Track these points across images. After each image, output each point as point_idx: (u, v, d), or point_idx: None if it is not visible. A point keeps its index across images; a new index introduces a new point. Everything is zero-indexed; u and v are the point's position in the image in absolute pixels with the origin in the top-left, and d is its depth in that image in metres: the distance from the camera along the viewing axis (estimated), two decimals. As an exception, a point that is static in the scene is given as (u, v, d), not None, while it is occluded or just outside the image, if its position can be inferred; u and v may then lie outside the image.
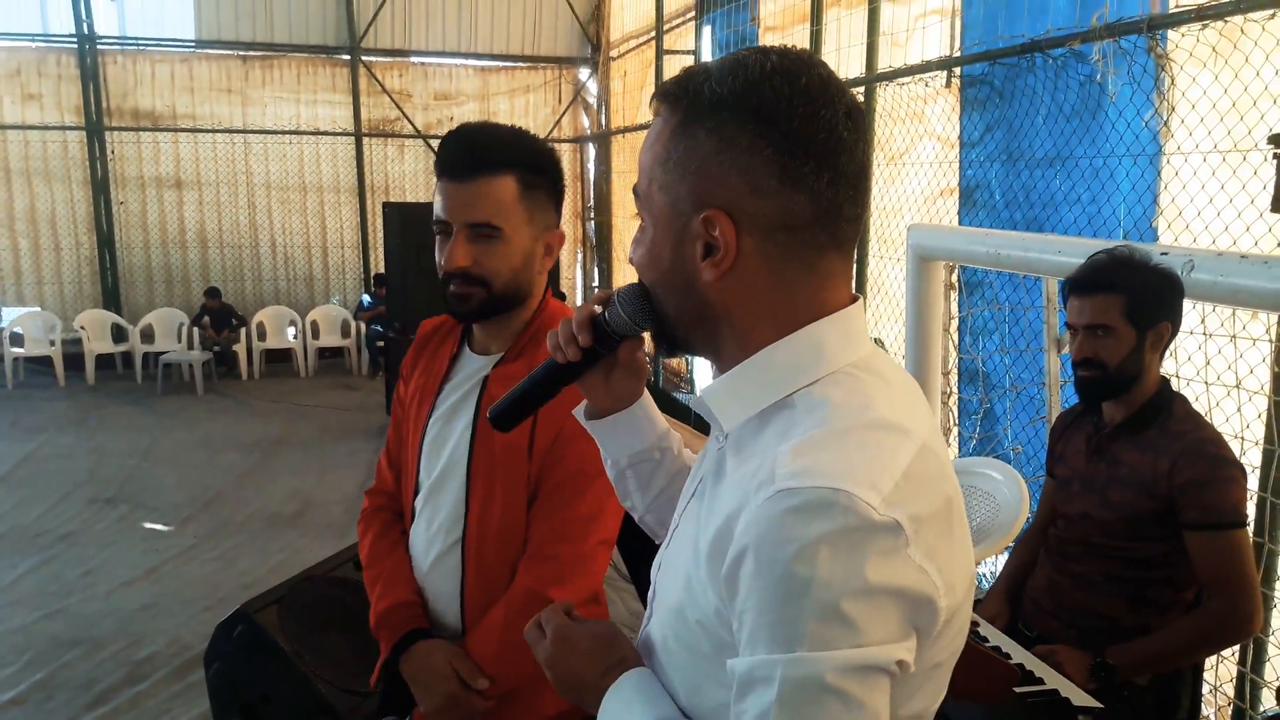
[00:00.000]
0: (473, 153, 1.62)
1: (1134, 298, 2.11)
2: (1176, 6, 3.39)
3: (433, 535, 1.77)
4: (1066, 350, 3.38)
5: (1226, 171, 3.27)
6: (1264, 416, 2.78)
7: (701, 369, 9.44)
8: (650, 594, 1.05)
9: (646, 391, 1.20)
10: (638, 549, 2.04)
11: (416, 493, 1.80)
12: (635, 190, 0.96)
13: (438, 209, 1.65)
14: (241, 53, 11.43)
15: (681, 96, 0.91)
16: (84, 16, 10.82)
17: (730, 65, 0.88)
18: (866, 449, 0.81)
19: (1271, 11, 3.06)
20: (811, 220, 0.88)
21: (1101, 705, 1.77)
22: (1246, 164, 3.20)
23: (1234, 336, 2.86)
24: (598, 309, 1.06)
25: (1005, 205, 4.72)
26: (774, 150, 0.86)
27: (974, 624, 2.16)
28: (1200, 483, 2.05)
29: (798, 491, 0.77)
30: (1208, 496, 2.05)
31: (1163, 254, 2.23)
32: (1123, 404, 2.20)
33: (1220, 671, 3.03)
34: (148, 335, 10.95)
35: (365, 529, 1.91)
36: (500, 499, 1.70)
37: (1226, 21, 3.21)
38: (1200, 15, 3.26)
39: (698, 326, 0.95)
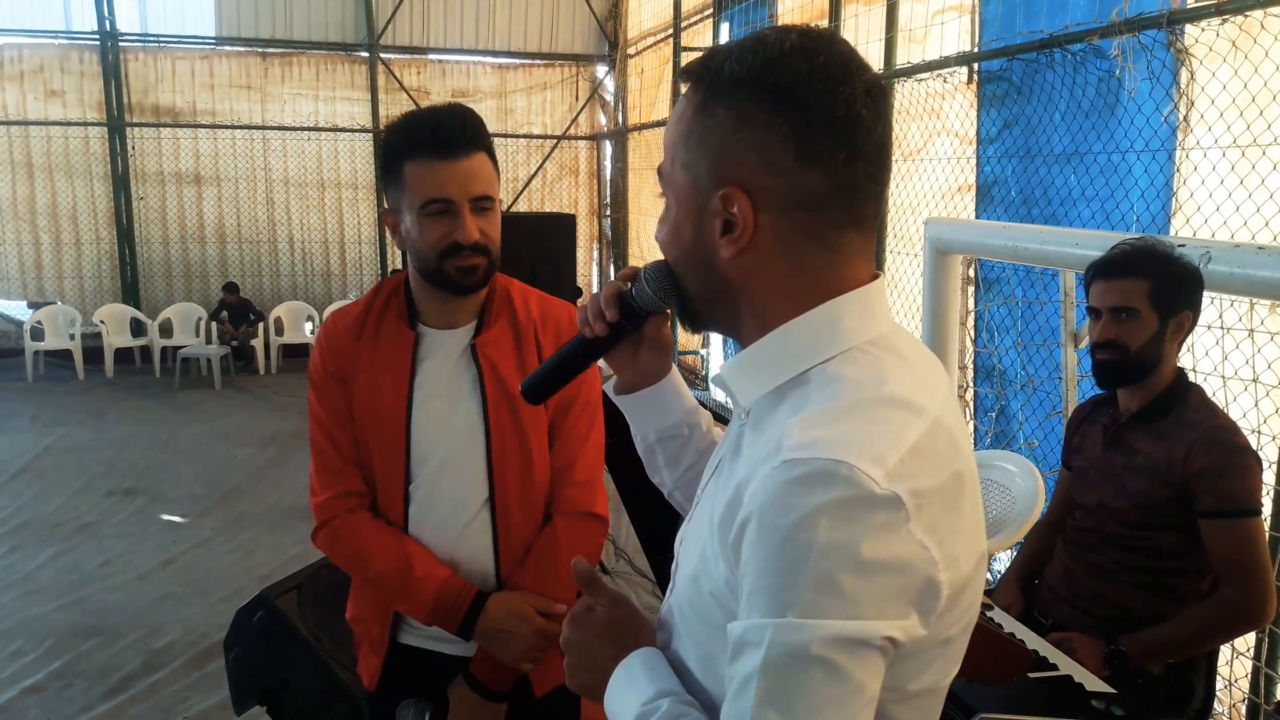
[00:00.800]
0: (465, 130, 1.70)
1: (1159, 283, 2.12)
2: (1196, 1, 3.37)
3: (456, 505, 1.81)
4: (1084, 345, 3.40)
5: (1246, 166, 3.26)
6: (1282, 410, 2.78)
7: (716, 364, 9.43)
8: (673, 567, 1.06)
9: (675, 368, 1.21)
10: (658, 531, 2.05)
11: (409, 480, 1.81)
12: (659, 169, 0.97)
13: (432, 189, 1.70)
14: (261, 49, 11.49)
15: (704, 75, 0.92)
16: (106, 14, 10.91)
17: (751, 44, 0.89)
18: (875, 423, 0.81)
19: (1292, 5, 3.05)
20: (827, 197, 0.88)
21: (1114, 691, 1.77)
22: (1266, 158, 3.19)
23: (1251, 331, 2.84)
24: (625, 285, 1.07)
25: (1022, 202, 4.71)
26: (790, 128, 0.86)
27: (988, 608, 2.16)
28: (1215, 470, 2.05)
29: (801, 462, 0.78)
30: (1223, 484, 2.04)
31: (1180, 245, 2.23)
32: (1139, 393, 2.20)
33: (1235, 668, 3.02)
34: (166, 330, 11.02)
35: (354, 530, 1.82)
36: (522, 452, 1.81)
37: (1247, 16, 3.19)
38: (1220, 10, 3.25)
39: (718, 303, 0.96)
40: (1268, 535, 2.18)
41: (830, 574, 0.76)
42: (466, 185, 1.70)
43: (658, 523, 1.99)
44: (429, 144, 1.69)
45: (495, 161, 1.78)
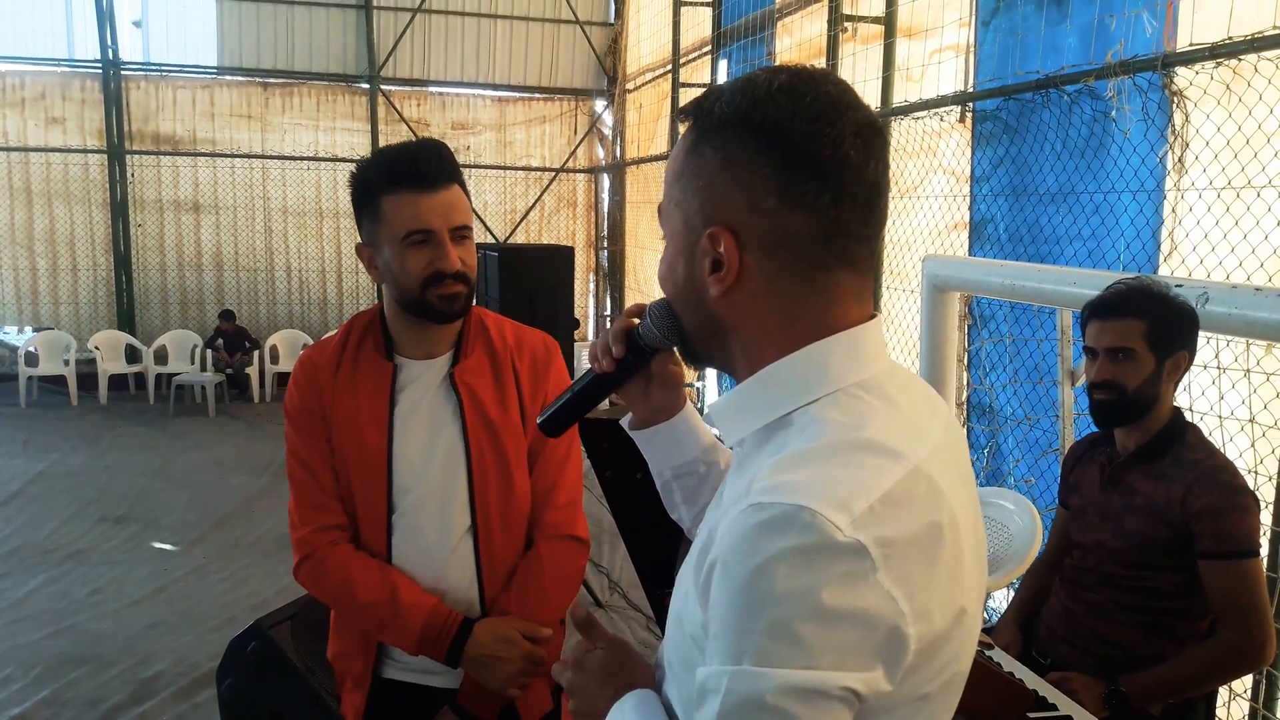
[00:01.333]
0: (442, 164, 1.75)
1: (1156, 324, 2.12)
2: (1190, 45, 3.42)
3: (440, 534, 1.83)
4: (1081, 383, 3.41)
5: (1240, 208, 3.29)
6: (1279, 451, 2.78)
7: (711, 397, 9.42)
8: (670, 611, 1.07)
9: (690, 405, 1.21)
10: (655, 564, 2.05)
11: (391, 510, 1.82)
12: (659, 207, 0.98)
13: (412, 221, 1.73)
14: (262, 80, 11.57)
15: (697, 115, 0.93)
16: (109, 43, 10.98)
17: (741, 84, 0.89)
18: (847, 468, 0.80)
19: (1286, 50, 3.08)
20: (812, 239, 0.87)
21: (1114, 731, 1.77)
22: (1261, 200, 3.21)
23: (1248, 371, 2.86)
24: (634, 321, 1.08)
25: (1010, 239, 4.75)
26: (773, 168, 0.86)
27: (987, 647, 2.16)
28: (1214, 511, 2.05)
29: (765, 506, 0.77)
30: (1222, 525, 2.04)
31: (1177, 285, 2.24)
32: (1136, 432, 2.21)
33: (1233, 709, 3.01)
34: (161, 356, 10.98)
35: (337, 564, 1.81)
36: (503, 478, 1.84)
37: (1240, 60, 3.23)
38: (1214, 53, 3.29)
39: (712, 341, 0.96)
40: (1265, 576, 2.18)
41: (787, 622, 0.74)
42: (447, 215, 1.75)
43: (655, 556, 1.98)
44: (409, 177, 1.73)
45: (467, 193, 1.84)
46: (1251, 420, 2.88)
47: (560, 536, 1.89)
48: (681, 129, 0.96)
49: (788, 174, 0.86)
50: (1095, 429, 2.37)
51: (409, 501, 1.82)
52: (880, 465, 0.81)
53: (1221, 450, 2.27)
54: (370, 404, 1.82)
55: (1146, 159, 3.82)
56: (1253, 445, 2.86)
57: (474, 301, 1.87)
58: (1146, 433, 2.19)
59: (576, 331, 5.50)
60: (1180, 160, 3.61)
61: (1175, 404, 2.23)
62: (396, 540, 1.83)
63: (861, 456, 0.81)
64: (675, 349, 1.07)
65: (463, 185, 1.81)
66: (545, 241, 12.47)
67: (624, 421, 1.23)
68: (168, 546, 6.10)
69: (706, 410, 0.99)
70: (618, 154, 12.38)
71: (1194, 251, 3.49)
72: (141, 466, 8.07)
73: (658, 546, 1.94)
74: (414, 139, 1.87)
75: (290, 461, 1.88)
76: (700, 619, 0.85)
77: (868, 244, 0.90)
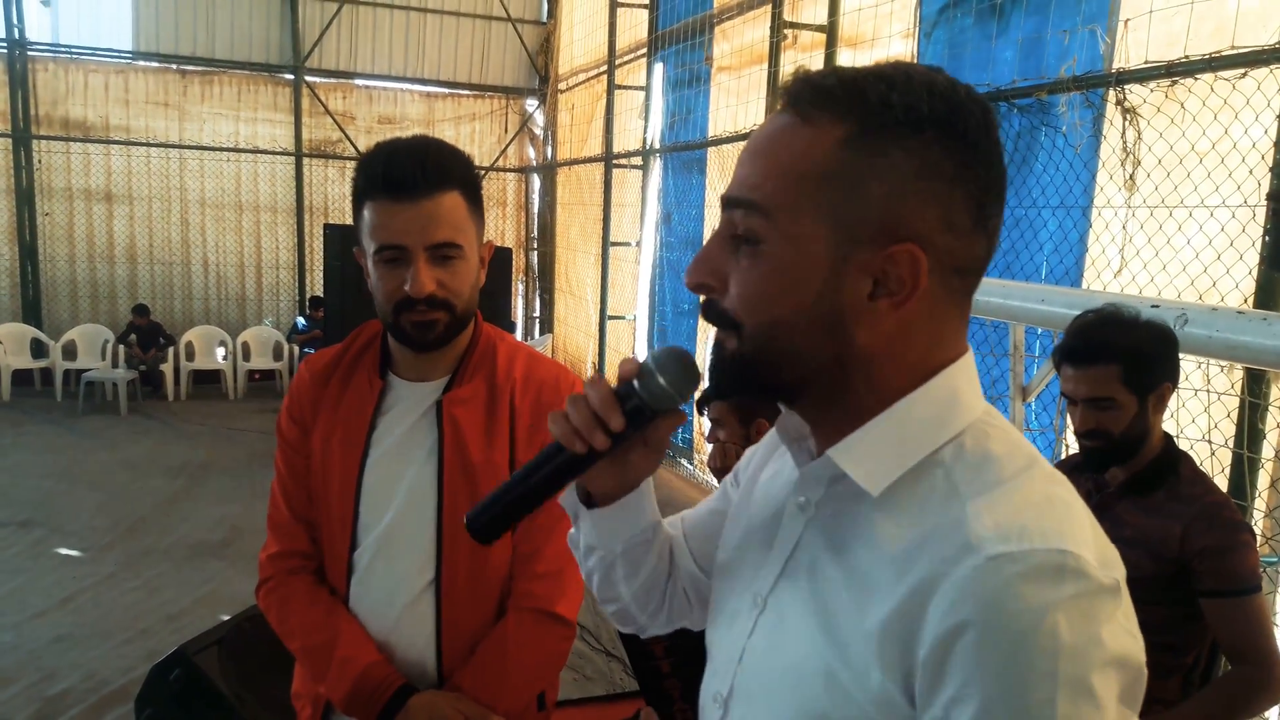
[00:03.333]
0: (425, 168, 1.50)
1: (1131, 365, 2.06)
2: (1145, 62, 3.43)
3: (396, 583, 1.63)
4: (1032, 399, 3.39)
5: (1194, 226, 3.31)
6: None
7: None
8: (721, 690, 0.91)
9: None
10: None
11: (354, 546, 1.64)
12: (740, 200, 0.81)
13: (383, 234, 1.51)
14: (180, 66, 11.18)
15: (853, 105, 0.77)
16: (15, 21, 10.49)
17: (919, 78, 0.78)
18: (1056, 505, 0.75)
19: (1242, 71, 3.11)
20: (983, 263, 0.82)
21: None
22: (1214, 220, 3.24)
23: (1244, 399, 2.85)
24: (633, 383, 0.90)
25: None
26: (976, 186, 0.78)
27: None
28: (1217, 550, 2.01)
29: (1017, 556, 0.69)
30: (1227, 564, 2.01)
31: (1154, 306, 2.20)
32: (1127, 464, 2.17)
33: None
34: (70, 352, 10.55)
35: (286, 596, 1.67)
36: None
37: (1197, 79, 3.25)
38: (1170, 71, 3.30)
39: (827, 372, 0.81)
40: (1269, 608, 2.16)
41: (1081, 678, 0.68)
42: (424, 231, 1.50)
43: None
44: (382, 183, 1.50)
45: (476, 200, 1.59)
46: (1245, 452, 2.87)
47: (533, 610, 1.65)
48: (785, 110, 0.81)
49: (984, 194, 0.79)
50: (1046, 446, 2.33)
51: (370, 539, 1.64)
52: (1071, 499, 0.77)
53: (1213, 480, 2.24)
54: (349, 424, 1.64)
55: (1081, 175, 3.84)
56: (1245, 464, 2.87)
57: (470, 323, 1.64)
58: (1138, 464, 2.15)
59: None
60: (1131, 177, 3.62)
61: (1165, 431, 2.19)
62: (355, 580, 1.65)
63: (1058, 490, 0.77)
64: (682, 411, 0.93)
65: (467, 191, 1.55)
66: (474, 241, 12.27)
67: (567, 502, 1.05)
68: (75, 553, 5.83)
69: (826, 455, 0.83)
70: (549, 154, 12.25)
71: (1144, 269, 3.50)
72: (47, 467, 7.72)
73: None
74: (402, 137, 1.62)
75: (275, 476, 1.73)
76: (873, 689, 0.75)
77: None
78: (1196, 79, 3.24)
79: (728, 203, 0.82)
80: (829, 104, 0.78)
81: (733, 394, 0.87)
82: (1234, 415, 2.98)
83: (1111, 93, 3.62)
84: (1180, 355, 2.10)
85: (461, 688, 1.61)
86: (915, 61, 3.89)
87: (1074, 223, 3.95)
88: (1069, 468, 2.37)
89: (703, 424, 2.72)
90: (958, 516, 0.74)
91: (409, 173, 1.49)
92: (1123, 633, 0.71)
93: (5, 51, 10.52)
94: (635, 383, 0.88)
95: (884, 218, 0.77)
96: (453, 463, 1.60)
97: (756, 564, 0.91)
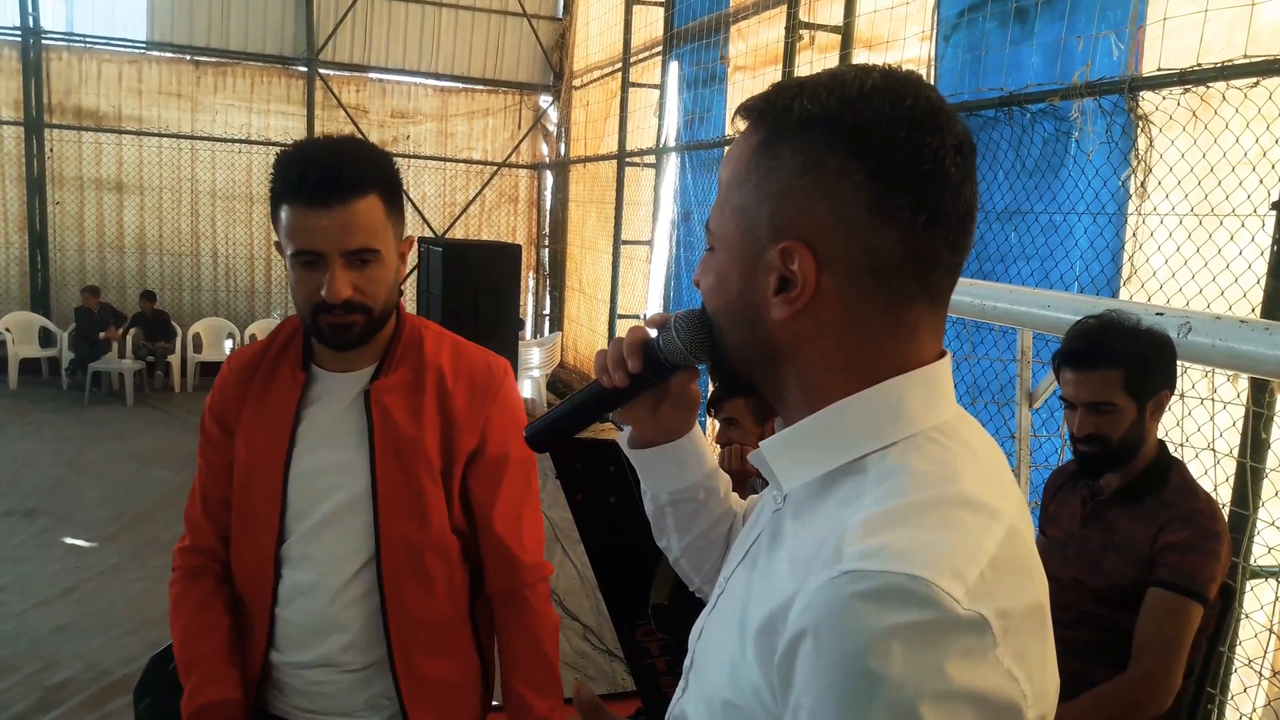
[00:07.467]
0: (341, 176, 1.49)
1: (1132, 371, 2.07)
2: (1159, 69, 3.41)
3: (333, 564, 1.64)
4: (1039, 404, 3.37)
5: (1202, 235, 3.28)
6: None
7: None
8: (687, 663, 0.95)
9: (698, 426, 1.11)
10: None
11: (283, 538, 1.64)
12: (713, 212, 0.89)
13: (300, 239, 1.51)
14: (194, 57, 11.19)
15: (767, 112, 0.82)
16: (30, 10, 10.51)
17: (826, 81, 0.79)
18: (949, 529, 0.71)
19: (1254, 80, 3.08)
20: (901, 264, 0.78)
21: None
22: (1224, 229, 3.21)
23: (1249, 409, 2.82)
24: (652, 333, 0.97)
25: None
26: (866, 176, 0.76)
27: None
28: (1181, 547, 2.02)
29: (869, 575, 0.68)
30: (1185, 560, 2.01)
31: (1158, 314, 2.19)
32: (1120, 470, 2.17)
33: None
34: (77, 341, 10.56)
35: (180, 596, 1.70)
36: (417, 514, 1.64)
37: (1209, 87, 3.23)
38: (1183, 79, 3.28)
39: (760, 366, 0.86)
40: (1196, 628, 2.11)
41: (909, 708, 0.65)
42: (339, 238, 1.50)
43: (626, 587, 1.87)
44: (296, 188, 1.50)
45: (395, 200, 1.59)
46: (1248, 459, 2.85)
47: (544, 580, 1.73)
48: (739, 126, 0.85)
49: (881, 185, 0.76)
50: (1053, 451, 2.32)
51: (303, 528, 1.63)
52: (982, 525, 0.73)
53: (1205, 491, 2.23)
54: (273, 417, 1.64)
55: (1109, 181, 3.81)
56: (1248, 476, 2.84)
57: (390, 318, 1.65)
58: (1131, 470, 2.16)
59: (517, 335, 5.38)
60: (1143, 185, 3.60)
61: (1160, 438, 2.19)
62: (286, 570, 1.65)
63: (961, 514, 0.73)
64: (700, 367, 0.98)
65: (385, 193, 1.55)
66: (485, 237, 12.29)
67: (621, 438, 1.12)
68: (80, 543, 5.84)
69: (758, 448, 0.87)
70: (562, 151, 12.24)
71: (1154, 277, 3.48)
72: (53, 457, 7.72)
73: (630, 576, 1.83)
74: (320, 139, 1.62)
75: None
76: (754, 687, 0.76)
77: (953, 274, 0.82)
78: (1209, 87, 3.22)
79: None
80: (754, 115, 0.84)
81: (718, 384, 0.94)
82: (1239, 425, 2.96)
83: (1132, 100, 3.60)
84: (1187, 364, 2.09)
85: (520, 693, 1.70)
86: (932, 65, 3.88)
87: (1100, 230, 3.90)
88: (1065, 475, 2.37)
89: (714, 426, 2.72)
90: (844, 526, 0.73)
91: (324, 180, 1.48)
92: (985, 668, 0.67)
93: (20, 40, 10.53)
94: (659, 336, 0.96)
95: (775, 216, 0.80)
96: (384, 443, 1.62)
97: (738, 547, 0.96)
